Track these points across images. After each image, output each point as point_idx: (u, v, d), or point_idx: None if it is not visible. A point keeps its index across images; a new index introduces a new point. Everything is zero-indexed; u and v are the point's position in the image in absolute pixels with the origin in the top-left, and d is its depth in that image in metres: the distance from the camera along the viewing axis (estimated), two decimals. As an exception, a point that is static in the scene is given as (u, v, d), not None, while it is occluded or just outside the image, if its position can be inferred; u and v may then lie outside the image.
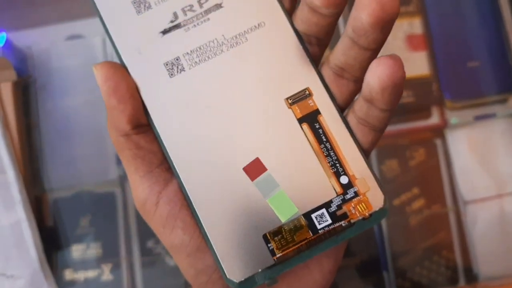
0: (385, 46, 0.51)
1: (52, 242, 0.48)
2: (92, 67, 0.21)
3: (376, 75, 0.20)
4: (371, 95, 0.20)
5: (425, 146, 0.49)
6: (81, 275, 0.47)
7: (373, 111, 0.21)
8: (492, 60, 0.50)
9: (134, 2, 0.22)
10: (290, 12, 0.23)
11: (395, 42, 0.50)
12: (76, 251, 0.48)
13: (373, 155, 0.49)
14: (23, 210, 0.44)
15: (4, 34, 0.49)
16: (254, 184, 0.21)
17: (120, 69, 0.21)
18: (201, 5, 0.22)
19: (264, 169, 0.21)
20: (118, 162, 0.49)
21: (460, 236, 0.48)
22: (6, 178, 0.45)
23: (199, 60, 0.22)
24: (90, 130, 0.49)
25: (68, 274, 0.47)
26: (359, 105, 0.21)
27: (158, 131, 0.22)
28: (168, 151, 0.22)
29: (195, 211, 0.21)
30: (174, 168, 0.22)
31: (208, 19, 0.22)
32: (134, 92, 0.21)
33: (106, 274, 0.47)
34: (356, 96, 0.22)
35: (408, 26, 0.50)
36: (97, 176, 0.49)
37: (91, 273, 0.47)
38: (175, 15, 0.22)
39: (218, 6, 0.22)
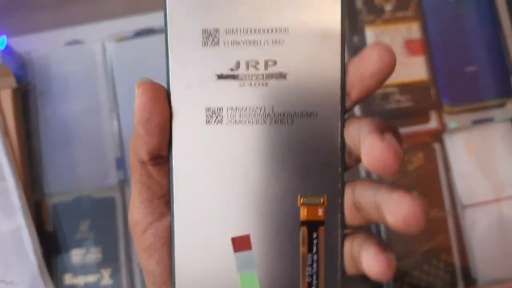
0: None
1: (51, 246, 0.48)
2: (135, 85, 0.21)
3: (375, 268, 0.20)
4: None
5: (424, 150, 0.50)
6: (80, 280, 0.47)
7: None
8: (490, 64, 0.50)
9: (205, 32, 0.21)
10: (347, 110, 0.21)
11: (393, 47, 0.50)
12: (76, 255, 0.48)
13: (372, 159, 0.49)
14: (23, 216, 0.44)
15: (4, 37, 0.50)
16: (234, 255, 0.21)
17: (160, 99, 0.21)
18: (266, 66, 0.21)
19: (249, 247, 0.22)
20: (118, 167, 0.49)
21: (458, 240, 0.48)
22: (5, 185, 0.45)
23: (240, 121, 0.21)
24: (90, 135, 0.50)
25: (68, 279, 0.47)
26: (357, 252, 0.21)
27: (173, 170, 0.22)
28: (174, 192, 0.22)
29: (173, 254, 0.22)
30: (172, 209, 0.22)
31: (267, 84, 0.21)
32: (164, 127, 0.21)
33: (106, 279, 0.47)
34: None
35: (406, 31, 0.50)
36: (97, 181, 0.49)
37: (90, 278, 0.47)
38: (238, 65, 0.21)
39: (282, 75, 0.21)
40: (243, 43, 0.21)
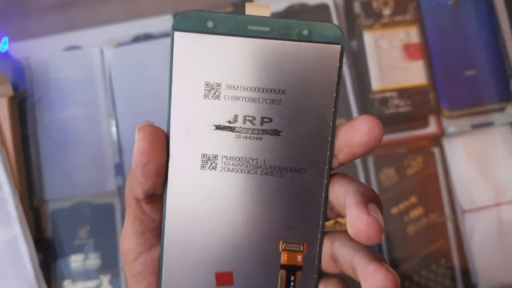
0: (381, 56, 0.51)
1: (50, 253, 0.48)
2: (136, 129, 0.22)
3: None
4: None
5: (423, 154, 0.49)
6: (80, 286, 0.47)
7: None
8: (489, 68, 0.49)
9: (207, 85, 0.22)
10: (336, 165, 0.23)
11: (392, 51, 0.49)
12: (75, 262, 0.48)
13: (371, 163, 0.49)
14: (19, 225, 0.44)
15: (6, 39, 0.50)
16: None
17: (158, 144, 0.22)
18: (262, 122, 0.22)
19: (231, 283, 0.23)
20: (117, 173, 0.49)
21: (458, 245, 0.48)
22: (2, 194, 0.45)
23: (232, 169, 0.23)
24: (89, 141, 0.50)
25: (67, 285, 0.47)
26: None
27: (166, 208, 0.23)
28: (166, 228, 0.23)
29: (160, 282, 0.24)
30: (163, 244, 0.23)
31: (261, 138, 0.23)
32: (161, 171, 0.22)
33: (105, 285, 0.47)
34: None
35: (405, 35, 0.50)
36: (96, 187, 0.49)
37: (90, 284, 0.48)
38: (235, 118, 0.22)
39: (276, 132, 0.23)
40: (242, 99, 0.22)
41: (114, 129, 0.50)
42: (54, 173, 0.49)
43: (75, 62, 0.51)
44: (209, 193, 0.23)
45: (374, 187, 0.49)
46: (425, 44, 0.50)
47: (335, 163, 0.23)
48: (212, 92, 0.22)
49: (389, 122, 0.49)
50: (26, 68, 0.51)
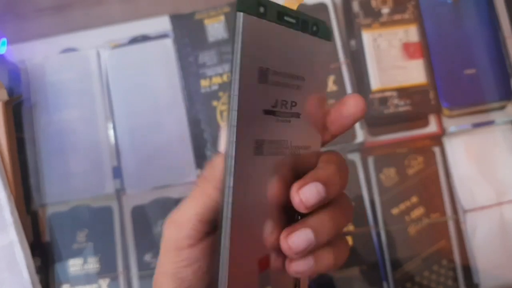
0: (381, 55, 0.50)
1: (49, 257, 0.47)
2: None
3: None
4: None
5: (424, 154, 0.49)
6: (78, 290, 0.47)
7: None
8: (489, 67, 0.49)
9: (260, 70, 0.23)
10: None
11: (391, 50, 0.49)
12: (73, 266, 0.47)
13: (371, 163, 0.49)
14: (15, 231, 0.44)
15: (4, 40, 0.49)
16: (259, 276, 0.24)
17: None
18: (291, 106, 0.24)
19: (267, 266, 0.24)
20: (115, 176, 0.49)
21: (460, 245, 0.48)
22: (-3, 200, 0.44)
23: (273, 152, 0.24)
24: (86, 144, 0.49)
25: (66, 290, 0.47)
26: None
27: (232, 194, 0.23)
28: (231, 212, 0.23)
29: (221, 265, 0.22)
30: (223, 228, 0.22)
31: (289, 121, 0.24)
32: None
33: (104, 289, 0.47)
34: None
35: (404, 34, 0.49)
36: (94, 190, 0.49)
37: (88, 288, 0.47)
38: (276, 103, 0.23)
39: (297, 115, 0.24)
40: (281, 85, 0.24)
41: (111, 131, 0.49)
42: (51, 176, 0.49)
43: (71, 64, 0.51)
44: (259, 177, 0.23)
45: (375, 187, 0.48)
46: (425, 43, 0.49)
47: (328, 136, 0.26)
48: (264, 77, 0.23)
49: (389, 122, 0.49)
50: (22, 71, 0.50)
